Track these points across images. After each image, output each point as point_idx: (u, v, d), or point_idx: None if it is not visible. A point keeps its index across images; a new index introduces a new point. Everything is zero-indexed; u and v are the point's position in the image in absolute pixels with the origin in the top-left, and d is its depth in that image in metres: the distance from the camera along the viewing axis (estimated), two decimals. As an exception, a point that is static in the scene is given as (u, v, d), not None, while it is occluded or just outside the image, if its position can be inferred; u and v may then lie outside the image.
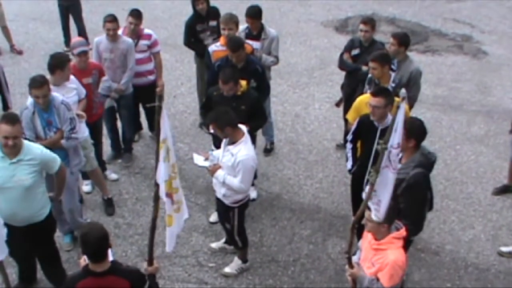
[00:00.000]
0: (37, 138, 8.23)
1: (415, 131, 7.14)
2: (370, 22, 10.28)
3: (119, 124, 11.01)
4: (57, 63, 8.66)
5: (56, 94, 8.43)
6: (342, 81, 11.02)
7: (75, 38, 10.14)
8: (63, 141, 8.44)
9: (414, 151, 7.22)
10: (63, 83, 8.71)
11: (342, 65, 10.62)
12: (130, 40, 10.42)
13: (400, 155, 6.10)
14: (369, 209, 6.32)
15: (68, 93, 8.95)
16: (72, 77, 9.15)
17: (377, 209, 6.23)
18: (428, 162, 7.33)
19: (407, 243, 6.80)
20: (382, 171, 6.09)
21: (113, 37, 10.19)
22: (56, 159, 7.64)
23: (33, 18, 16.50)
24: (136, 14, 10.49)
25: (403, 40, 9.79)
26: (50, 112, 8.33)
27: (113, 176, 10.58)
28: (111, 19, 10.14)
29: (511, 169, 10.39)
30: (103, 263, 5.73)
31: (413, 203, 6.96)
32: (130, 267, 6.43)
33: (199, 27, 11.23)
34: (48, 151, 7.62)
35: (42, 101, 8.16)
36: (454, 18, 17.55)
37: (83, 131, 9.29)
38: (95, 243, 5.63)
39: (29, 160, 7.31)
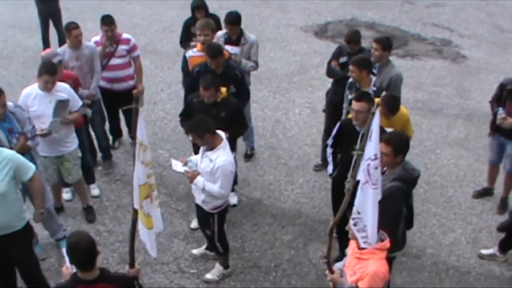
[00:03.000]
0: None
1: (403, 146, 7.19)
2: (352, 40, 10.14)
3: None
4: None
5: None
6: (325, 88, 11.01)
7: (46, 51, 10.06)
8: (29, 142, 8.36)
9: (398, 164, 7.24)
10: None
11: (330, 72, 10.51)
12: (93, 44, 10.42)
13: (379, 168, 5.97)
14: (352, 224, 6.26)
15: (55, 102, 8.89)
16: (67, 86, 9.08)
17: (365, 237, 6.10)
18: (409, 177, 7.29)
19: (388, 261, 6.69)
20: (362, 188, 5.95)
21: (78, 43, 10.11)
22: (29, 165, 7.53)
23: (11, 25, 16.42)
24: (108, 21, 10.47)
25: (387, 44, 9.75)
26: (8, 120, 8.20)
27: (95, 192, 10.42)
28: (76, 26, 10.11)
29: (490, 172, 10.45)
30: (93, 271, 5.68)
31: (385, 216, 6.55)
32: (118, 273, 6.45)
33: (193, 29, 11.21)
34: (21, 156, 7.52)
35: (2, 111, 8.04)
36: (433, 22, 17.63)
37: (73, 142, 9.30)
38: (84, 251, 5.57)
39: (1, 165, 7.22)
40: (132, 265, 6.50)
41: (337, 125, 8.61)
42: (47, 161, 9.19)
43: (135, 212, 6.41)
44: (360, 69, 9.00)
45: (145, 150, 6.21)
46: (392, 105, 8.61)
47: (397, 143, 7.08)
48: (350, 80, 9.39)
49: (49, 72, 8.76)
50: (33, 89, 8.93)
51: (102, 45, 10.51)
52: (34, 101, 8.84)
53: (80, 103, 9.27)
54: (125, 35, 10.76)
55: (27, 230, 7.76)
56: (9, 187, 7.32)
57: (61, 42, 14.51)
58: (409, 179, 7.32)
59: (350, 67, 9.11)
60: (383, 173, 7.20)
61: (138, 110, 6.02)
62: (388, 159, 7.09)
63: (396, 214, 7.22)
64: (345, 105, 9.65)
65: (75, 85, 9.77)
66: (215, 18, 11.19)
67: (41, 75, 8.77)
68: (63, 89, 9.00)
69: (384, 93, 9.16)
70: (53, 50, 10.03)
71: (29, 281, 8.11)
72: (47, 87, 8.78)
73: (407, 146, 7.27)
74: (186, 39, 11.39)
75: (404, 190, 7.25)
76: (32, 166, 7.57)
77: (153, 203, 6.53)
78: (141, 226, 6.58)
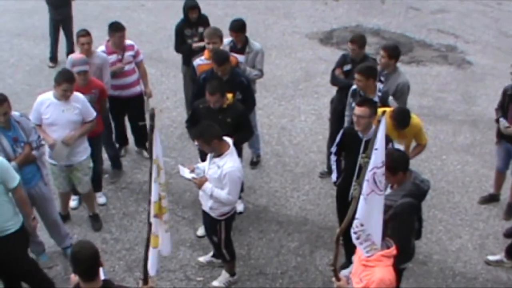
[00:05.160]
0: (8, 159, 7.93)
1: (400, 165, 7.07)
2: (356, 41, 10.13)
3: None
4: None
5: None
6: (330, 94, 11.02)
7: (76, 55, 10.05)
8: (34, 152, 8.35)
9: (404, 179, 7.21)
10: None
11: (334, 80, 10.49)
12: (104, 55, 10.37)
13: (384, 176, 5.94)
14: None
15: (68, 111, 8.89)
16: (81, 97, 9.06)
17: (369, 245, 6.08)
18: (419, 192, 7.27)
19: (397, 272, 6.69)
20: (367, 198, 5.89)
21: (87, 51, 10.07)
22: (15, 176, 7.57)
23: (17, 34, 16.44)
24: (119, 27, 10.50)
25: (394, 53, 9.73)
26: (13, 129, 8.21)
27: (102, 200, 10.42)
28: (85, 33, 10.08)
29: (497, 178, 10.44)
30: (95, 281, 5.60)
31: (398, 231, 6.80)
32: (122, 286, 6.37)
33: (187, 31, 11.27)
34: (7, 162, 7.57)
35: (3, 119, 8.03)
36: (438, 28, 17.62)
37: (84, 152, 9.30)
38: (86, 261, 5.51)
39: None
40: (145, 281, 6.44)
41: (340, 132, 8.62)
42: (56, 169, 9.21)
43: (149, 228, 6.37)
44: (367, 77, 9.01)
45: (160, 171, 6.19)
46: (401, 120, 8.59)
47: (391, 163, 6.74)
48: (354, 87, 9.39)
49: (68, 80, 8.73)
50: (47, 97, 8.94)
51: (118, 64, 10.52)
52: (47, 109, 8.84)
53: (94, 114, 9.21)
54: (128, 41, 10.75)
55: (22, 232, 7.78)
56: None
57: (69, 50, 14.54)
58: (420, 194, 7.31)
59: (356, 75, 9.10)
60: (391, 187, 7.20)
61: (153, 127, 5.98)
62: (387, 178, 6.95)
63: (408, 229, 7.22)
64: (347, 113, 9.64)
65: (101, 95, 9.78)
66: (206, 19, 11.40)
67: (60, 84, 8.72)
68: (77, 100, 8.98)
69: (390, 98, 9.17)
70: (82, 57, 9.79)
71: (31, 283, 8.11)
72: (66, 95, 8.77)
73: (403, 163, 7.16)
74: (180, 44, 11.46)
75: (415, 206, 7.24)
76: (17, 177, 7.60)
77: (162, 226, 6.52)
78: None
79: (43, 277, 8.22)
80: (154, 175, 6.14)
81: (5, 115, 8.02)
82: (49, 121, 8.85)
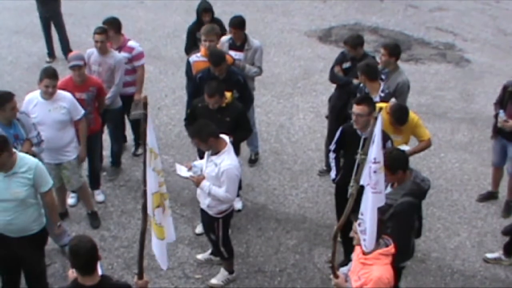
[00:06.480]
0: None
1: (399, 163, 7.11)
2: (347, 42, 10.19)
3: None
4: None
5: None
6: (329, 92, 11.02)
7: (73, 52, 10.01)
8: (34, 149, 8.36)
9: (405, 178, 7.22)
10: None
11: (333, 78, 10.52)
12: (119, 55, 10.32)
13: (379, 172, 5.97)
14: (355, 219, 6.27)
15: (55, 111, 8.91)
16: (67, 95, 9.06)
17: (365, 240, 6.15)
18: (419, 191, 7.29)
19: (396, 270, 6.71)
20: (366, 189, 6.05)
21: (101, 49, 10.09)
22: (48, 179, 7.57)
23: (16, 31, 16.42)
24: (105, 21, 10.48)
25: (394, 51, 9.76)
26: (14, 126, 8.23)
27: (100, 197, 10.40)
28: (100, 31, 10.06)
29: (494, 175, 10.44)
30: (92, 276, 5.64)
31: (398, 230, 6.84)
32: (120, 282, 6.37)
33: (199, 34, 11.19)
34: (43, 166, 7.56)
35: (12, 114, 8.11)
36: (437, 26, 17.61)
37: (73, 151, 9.29)
38: (84, 255, 5.55)
39: (24, 172, 7.27)
40: (140, 276, 6.44)
41: (339, 130, 8.62)
42: (47, 167, 9.20)
43: (144, 221, 6.36)
44: (363, 76, 9.14)
45: (156, 158, 6.18)
46: (399, 116, 8.60)
47: (391, 162, 6.86)
48: (361, 85, 9.39)
49: (49, 76, 8.77)
50: (35, 96, 8.97)
51: None
52: (34, 108, 8.87)
53: (82, 112, 9.20)
54: (130, 43, 10.68)
55: (43, 234, 7.80)
56: (29, 193, 7.37)
57: (63, 47, 14.52)
58: (420, 193, 7.31)
59: (359, 73, 9.21)
60: (392, 186, 7.21)
61: (147, 116, 6.00)
62: (387, 177, 6.88)
63: (408, 228, 7.22)
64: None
65: (99, 93, 9.75)
66: (219, 23, 11.18)
67: (41, 80, 8.79)
68: (63, 99, 9.00)
69: (393, 99, 9.16)
70: (77, 53, 9.80)
71: (33, 285, 8.11)
72: (48, 92, 8.79)
73: (402, 162, 7.18)
74: (191, 46, 11.33)
75: (415, 205, 7.24)
76: (50, 182, 7.61)
77: (166, 212, 6.49)
78: (153, 236, 6.54)
79: (46, 283, 8.22)
80: (152, 164, 6.14)
81: (12, 110, 8.09)
82: (36, 121, 8.78)
